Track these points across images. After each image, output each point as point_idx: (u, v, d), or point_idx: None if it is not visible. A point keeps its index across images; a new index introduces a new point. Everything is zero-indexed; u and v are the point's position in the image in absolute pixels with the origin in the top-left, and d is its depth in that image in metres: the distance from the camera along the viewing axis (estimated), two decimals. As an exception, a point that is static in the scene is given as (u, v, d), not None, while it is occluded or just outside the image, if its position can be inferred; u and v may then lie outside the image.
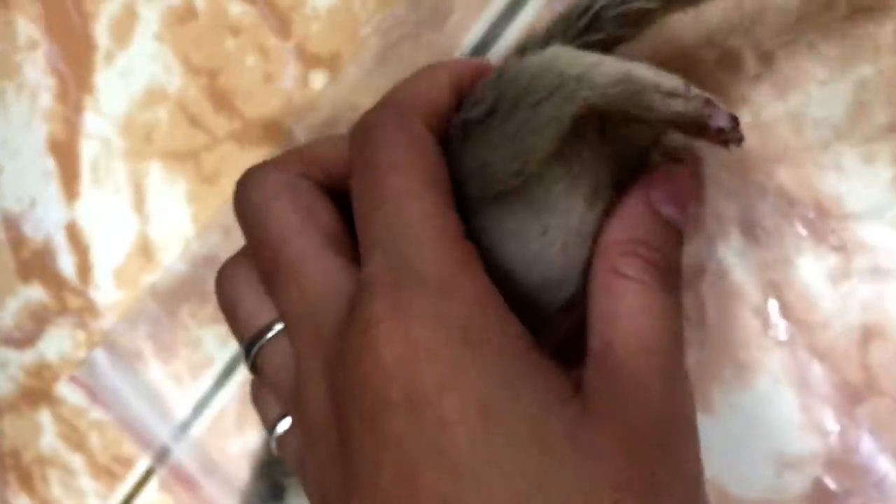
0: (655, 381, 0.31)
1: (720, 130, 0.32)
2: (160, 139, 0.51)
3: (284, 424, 0.38)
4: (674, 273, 0.34)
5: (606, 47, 0.36)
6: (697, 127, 0.33)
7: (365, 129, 0.35)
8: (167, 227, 0.52)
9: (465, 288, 0.31)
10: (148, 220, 0.52)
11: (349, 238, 0.35)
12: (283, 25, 0.49)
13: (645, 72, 0.32)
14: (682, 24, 0.40)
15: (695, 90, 0.32)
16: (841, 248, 0.41)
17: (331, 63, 0.48)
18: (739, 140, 0.33)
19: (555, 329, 0.36)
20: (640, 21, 0.35)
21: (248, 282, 0.37)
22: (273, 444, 0.39)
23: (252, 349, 0.37)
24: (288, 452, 0.38)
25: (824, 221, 0.41)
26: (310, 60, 0.48)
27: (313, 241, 0.34)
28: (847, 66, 0.40)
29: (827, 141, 0.41)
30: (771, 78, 0.41)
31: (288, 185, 0.36)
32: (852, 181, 0.40)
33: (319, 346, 0.33)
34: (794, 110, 0.41)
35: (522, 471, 0.28)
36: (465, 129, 0.35)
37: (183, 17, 0.50)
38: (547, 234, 0.34)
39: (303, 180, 0.36)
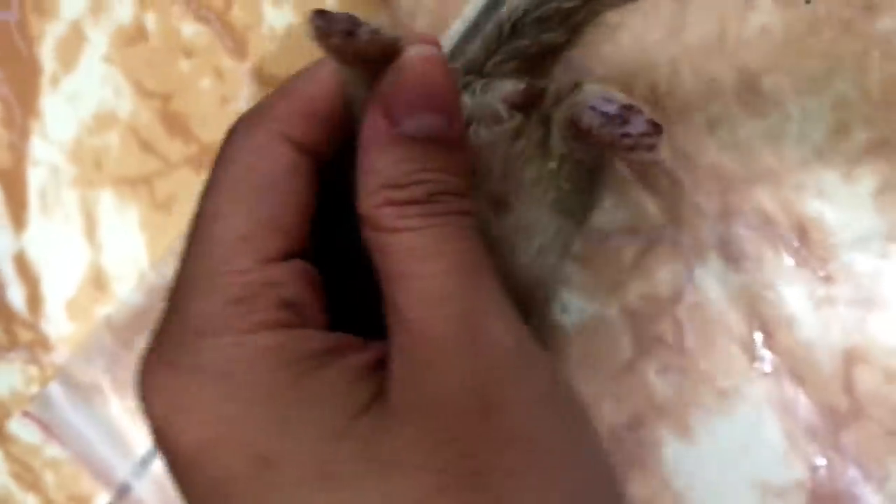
0: (456, 339, 0.27)
1: (629, 136, 0.31)
2: (111, 165, 0.49)
3: None
4: (448, 195, 0.28)
5: (544, 53, 0.35)
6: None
7: (225, 139, 0.32)
8: (120, 257, 0.50)
9: (228, 331, 0.28)
10: (100, 250, 0.50)
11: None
12: (238, 46, 0.47)
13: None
14: (658, 45, 0.39)
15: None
16: (824, 274, 0.40)
17: (289, 85, 0.46)
18: (650, 148, 0.30)
19: None
20: (565, 23, 0.34)
21: None
22: None
23: None
24: None
25: (806, 246, 0.40)
26: (267, 82, 0.46)
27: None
28: (826, 85, 0.39)
29: (807, 161, 0.40)
30: (749, 96, 0.40)
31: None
32: (834, 203, 0.39)
33: None
34: (774, 130, 0.40)
35: None
36: None
37: (133, 38, 0.48)
38: None
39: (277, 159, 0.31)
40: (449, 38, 0.43)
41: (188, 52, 0.47)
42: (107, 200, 0.49)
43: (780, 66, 0.39)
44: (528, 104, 0.33)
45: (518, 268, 0.33)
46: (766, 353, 0.40)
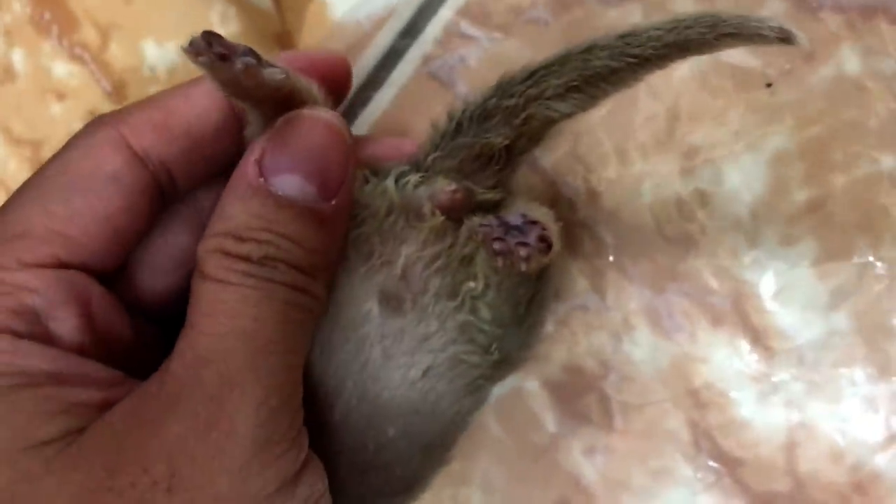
0: (179, 409, 0.25)
1: (502, 241, 0.28)
2: (-24, 220, 0.44)
3: None
4: (286, 266, 0.26)
5: (489, 156, 0.31)
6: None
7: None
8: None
9: None
10: (-34, 314, 0.45)
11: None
12: (116, 88, 0.42)
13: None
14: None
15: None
16: (763, 347, 0.36)
17: (173, 132, 0.41)
18: (524, 259, 0.28)
19: None
20: (507, 123, 0.31)
21: None
22: None
23: None
24: None
25: (741, 311, 0.36)
26: (149, 129, 0.42)
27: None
28: (763, 139, 0.36)
29: (740, 218, 0.36)
30: (677, 147, 0.37)
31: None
32: (769, 262, 0.36)
33: None
34: (706, 186, 0.37)
35: None
36: None
37: (-1, 78, 0.43)
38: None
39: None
40: (363, 66, 0.40)
41: (60, 95, 0.42)
42: (-28, 259, 0.44)
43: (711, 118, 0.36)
44: (456, 208, 0.30)
45: (382, 384, 0.30)
46: (700, 430, 0.37)
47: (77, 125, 0.42)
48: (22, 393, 0.25)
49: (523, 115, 0.30)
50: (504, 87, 0.30)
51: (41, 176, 0.29)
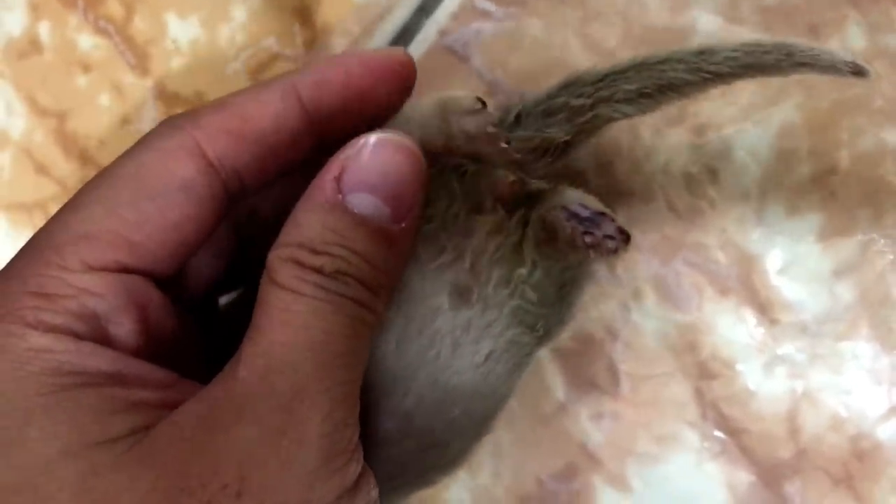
0: (247, 419, 0.26)
1: (591, 235, 0.30)
2: (3, 189, 0.45)
3: None
4: (356, 282, 0.27)
5: (543, 150, 0.33)
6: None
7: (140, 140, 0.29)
8: (14, 289, 0.46)
9: (11, 318, 0.26)
10: (-8, 280, 0.46)
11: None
12: (140, 60, 0.43)
13: (453, 94, 0.30)
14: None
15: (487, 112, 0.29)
16: (768, 317, 0.37)
17: (194, 103, 0.42)
18: (613, 251, 0.29)
19: None
20: (570, 121, 0.32)
21: None
22: None
23: None
24: None
25: (748, 284, 0.37)
26: (171, 100, 0.43)
27: None
28: (771, 116, 0.37)
29: (748, 193, 0.37)
30: (687, 123, 0.37)
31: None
32: (776, 237, 0.37)
33: None
34: (715, 162, 0.37)
35: None
36: None
37: (26, 51, 0.44)
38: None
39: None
40: (380, 40, 0.41)
41: (85, 67, 0.44)
42: (-1, 226, 0.46)
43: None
44: (512, 200, 0.31)
45: (452, 371, 0.31)
46: (707, 400, 0.38)
47: (102, 97, 0.43)
48: (86, 391, 0.26)
49: (590, 115, 0.32)
50: (573, 87, 0.32)
51: (113, 176, 0.29)
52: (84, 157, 0.44)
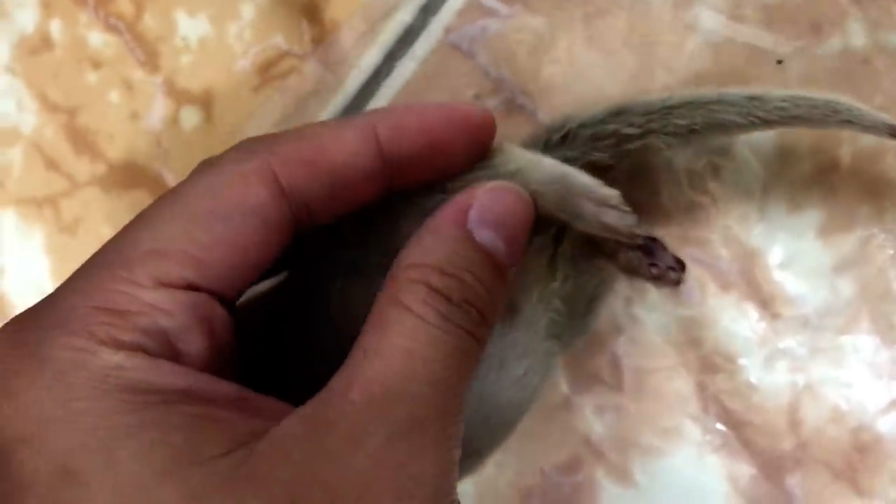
0: (350, 447, 0.25)
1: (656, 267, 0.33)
2: (14, 184, 0.46)
3: None
4: (477, 314, 0.28)
5: (587, 170, 0.33)
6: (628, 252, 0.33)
7: (226, 151, 0.30)
8: (23, 281, 0.46)
9: (84, 335, 0.26)
10: (2, 274, 0.47)
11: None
12: (150, 57, 0.44)
13: (582, 178, 0.31)
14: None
15: (628, 210, 0.31)
16: (768, 310, 0.38)
17: (204, 100, 0.43)
18: (676, 283, 0.33)
19: None
20: (617, 147, 0.34)
21: None
22: None
23: None
24: None
25: (749, 279, 0.38)
26: (180, 96, 0.43)
27: None
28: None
29: (750, 189, 0.37)
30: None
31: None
32: (777, 232, 0.37)
33: None
34: (717, 159, 0.38)
35: None
36: None
37: (37, 47, 0.45)
38: None
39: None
40: (385, 38, 0.42)
41: (96, 64, 0.44)
42: (9, 221, 0.46)
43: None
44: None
45: (498, 387, 0.32)
46: (709, 393, 0.38)
47: (112, 93, 0.44)
48: (167, 409, 0.25)
49: (639, 143, 0.33)
50: (625, 116, 0.33)
51: (184, 195, 0.28)
52: (93, 153, 0.44)
